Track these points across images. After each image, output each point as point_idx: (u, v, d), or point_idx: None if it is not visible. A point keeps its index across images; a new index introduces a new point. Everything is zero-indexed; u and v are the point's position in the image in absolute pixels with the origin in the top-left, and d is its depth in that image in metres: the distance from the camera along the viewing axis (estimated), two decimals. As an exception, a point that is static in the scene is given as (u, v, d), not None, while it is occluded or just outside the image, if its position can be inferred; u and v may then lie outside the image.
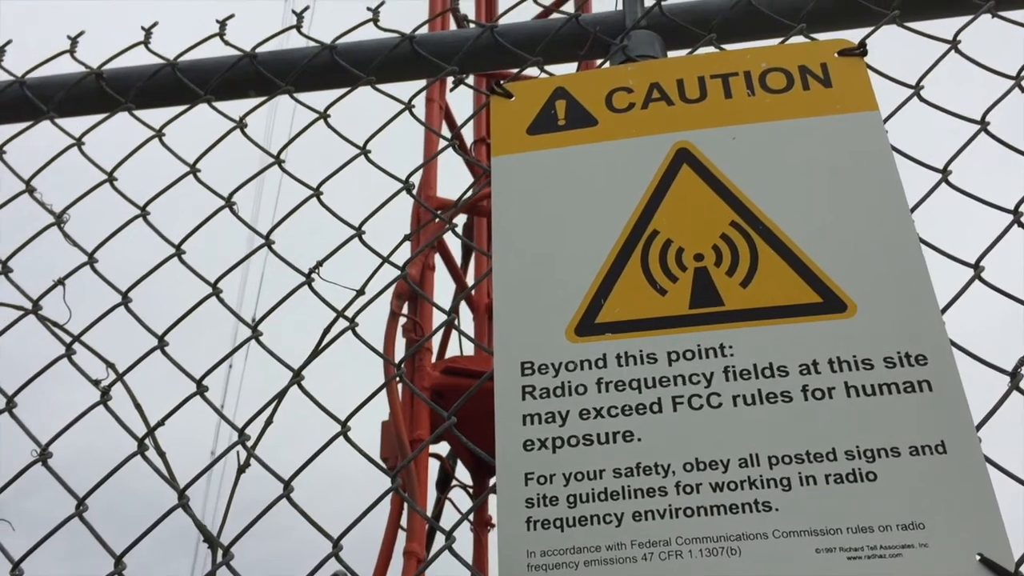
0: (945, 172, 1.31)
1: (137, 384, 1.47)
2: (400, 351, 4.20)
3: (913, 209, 1.26)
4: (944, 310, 1.17)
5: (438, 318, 5.03)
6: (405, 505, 3.63)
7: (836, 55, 1.43)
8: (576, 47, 1.60)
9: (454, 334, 5.08)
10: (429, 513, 4.24)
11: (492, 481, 1.23)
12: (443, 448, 4.50)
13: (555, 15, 1.58)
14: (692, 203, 1.33)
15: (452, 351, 4.95)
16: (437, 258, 4.84)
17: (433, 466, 4.32)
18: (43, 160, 1.65)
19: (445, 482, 4.46)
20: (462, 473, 4.55)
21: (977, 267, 1.23)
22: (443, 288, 5.13)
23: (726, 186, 1.34)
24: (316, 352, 1.26)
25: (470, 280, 5.26)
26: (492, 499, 1.13)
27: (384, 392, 4.06)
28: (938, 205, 1.33)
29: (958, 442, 1.07)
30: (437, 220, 4.13)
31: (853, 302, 1.19)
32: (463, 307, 5.13)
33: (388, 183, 1.53)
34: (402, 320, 4.21)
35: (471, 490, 4.52)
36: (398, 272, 1.39)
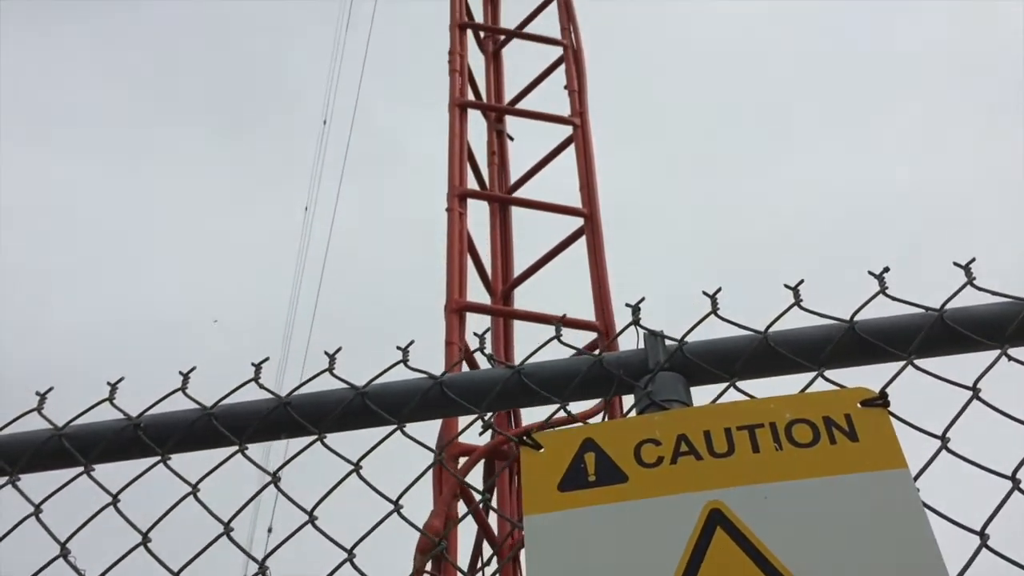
0: (983, 536, 1.31)
1: None
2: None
3: (956, 579, 1.25)
4: None
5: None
6: None
7: (859, 405, 1.46)
8: (600, 387, 1.64)
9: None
10: None
11: None
12: None
13: (579, 356, 1.63)
14: (730, 574, 1.32)
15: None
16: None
17: None
18: (71, 501, 1.69)
19: None
20: None
21: (1029, 648, 1.20)
22: (465, 529, 5.04)
23: (763, 553, 1.33)
24: None
25: (491, 519, 5.16)
26: None
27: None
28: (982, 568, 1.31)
29: None
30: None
31: None
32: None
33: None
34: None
35: None
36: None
